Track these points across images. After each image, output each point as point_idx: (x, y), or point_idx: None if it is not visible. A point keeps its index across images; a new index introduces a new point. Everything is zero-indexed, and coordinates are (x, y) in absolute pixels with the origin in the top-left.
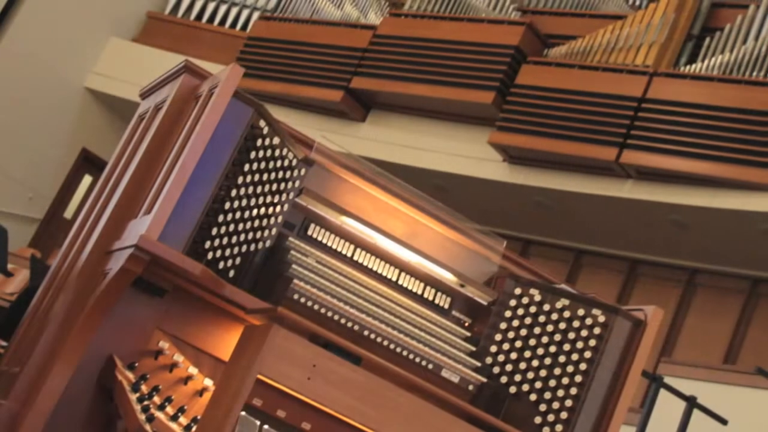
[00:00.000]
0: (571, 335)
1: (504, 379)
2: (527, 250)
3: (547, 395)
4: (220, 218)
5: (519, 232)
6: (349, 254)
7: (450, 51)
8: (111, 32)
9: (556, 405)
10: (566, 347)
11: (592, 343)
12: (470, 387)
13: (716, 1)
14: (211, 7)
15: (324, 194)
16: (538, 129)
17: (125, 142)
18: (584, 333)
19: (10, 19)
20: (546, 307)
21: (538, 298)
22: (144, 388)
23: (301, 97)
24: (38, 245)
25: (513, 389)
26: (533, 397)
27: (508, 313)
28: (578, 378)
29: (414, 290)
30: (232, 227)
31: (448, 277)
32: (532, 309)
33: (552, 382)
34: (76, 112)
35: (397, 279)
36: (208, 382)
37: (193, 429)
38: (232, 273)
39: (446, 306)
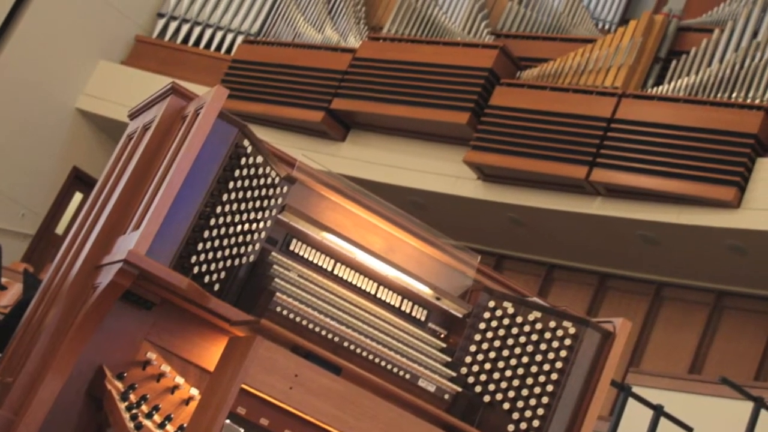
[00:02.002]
0: (543, 346)
1: (478, 389)
2: (501, 265)
3: (520, 404)
4: (206, 234)
5: (493, 247)
6: (329, 268)
7: (426, 73)
8: (101, 55)
9: (528, 413)
10: (538, 358)
11: (563, 353)
12: (446, 396)
13: (682, 26)
14: (197, 31)
15: (305, 211)
16: (512, 148)
17: (114, 160)
18: (555, 344)
19: (4, 44)
20: (519, 319)
21: (511, 310)
22: (132, 397)
23: (284, 118)
24: (31, 260)
25: (487, 398)
26: (506, 405)
27: (482, 325)
28: (550, 387)
29: (392, 303)
30: (217, 243)
31: (424, 290)
32: (506, 321)
33: (524, 392)
34: (67, 132)
35: (376, 292)
36: (194, 392)
37: None
38: (217, 287)
39: (423, 318)
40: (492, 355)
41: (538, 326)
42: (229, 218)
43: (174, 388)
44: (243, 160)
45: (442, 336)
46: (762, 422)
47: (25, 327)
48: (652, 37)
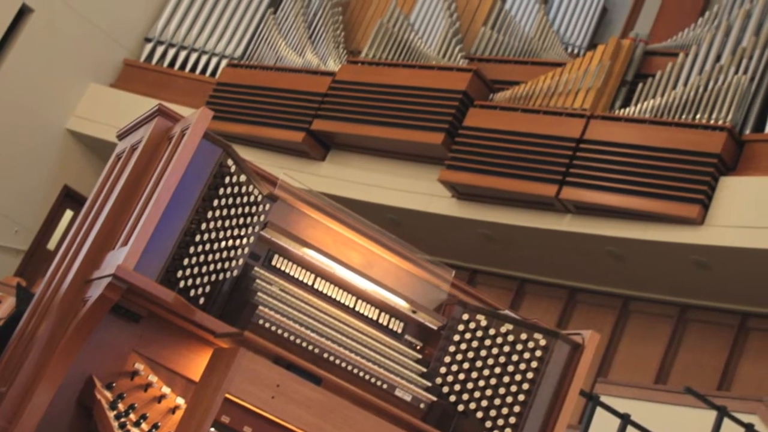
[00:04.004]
0: (515, 357)
1: (453, 398)
2: (474, 279)
3: (493, 413)
4: (191, 249)
5: (466, 262)
6: (310, 283)
7: (403, 96)
8: (90, 78)
9: (500, 422)
10: (510, 368)
11: (534, 364)
12: (422, 405)
13: (648, 50)
14: (182, 55)
15: (287, 228)
16: (484, 167)
17: (104, 179)
18: (527, 355)
19: None
20: (491, 331)
21: (484, 323)
22: (121, 406)
23: (266, 138)
24: (24, 274)
25: (461, 407)
26: (479, 414)
27: (456, 337)
28: (521, 397)
29: (370, 316)
30: (202, 258)
31: (401, 303)
32: (479, 333)
33: (497, 401)
34: (58, 151)
35: (355, 306)
36: (180, 401)
37: None
38: (202, 300)
39: (399, 330)
40: (466, 365)
41: (510, 338)
42: (213, 234)
43: (161, 398)
44: (227, 179)
45: (418, 347)
46: (725, 430)
47: (18, 339)
48: (619, 60)
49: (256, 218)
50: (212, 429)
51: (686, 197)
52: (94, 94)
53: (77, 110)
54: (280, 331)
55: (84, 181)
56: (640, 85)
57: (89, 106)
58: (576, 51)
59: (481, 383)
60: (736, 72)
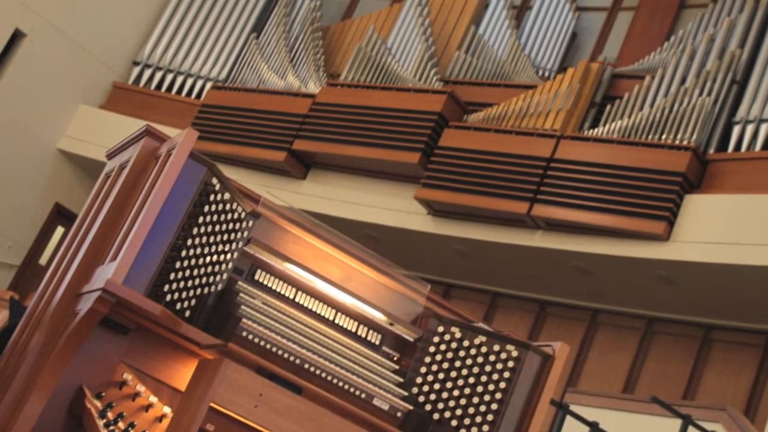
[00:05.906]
0: (488, 368)
1: (428, 407)
2: (449, 293)
3: (467, 421)
4: (178, 264)
5: (442, 276)
6: (291, 296)
7: (381, 117)
8: (81, 100)
9: (474, 430)
10: (483, 379)
11: (506, 375)
12: (398, 414)
13: (616, 73)
14: (169, 77)
15: (269, 243)
16: (459, 186)
17: (93, 197)
18: (499, 366)
19: None
20: (465, 343)
21: (458, 335)
22: (110, 415)
23: (249, 158)
24: (16, 288)
25: (436, 416)
26: (454, 423)
27: (432, 349)
28: (494, 406)
29: (349, 328)
30: (188, 272)
31: (378, 316)
32: (453, 345)
33: (471, 410)
34: (50, 170)
35: (334, 318)
36: (167, 410)
37: None
38: (188, 313)
39: (377, 342)
40: (441, 376)
41: (484, 349)
42: (199, 250)
43: (148, 407)
44: (212, 197)
45: (395, 359)
46: None
47: (11, 350)
48: (588, 83)
49: (239, 234)
50: None
51: (652, 214)
52: (84, 115)
53: (68, 131)
54: (262, 343)
55: (74, 199)
56: (608, 107)
57: (80, 127)
58: (547, 74)
59: (456, 393)
60: (701, 94)
